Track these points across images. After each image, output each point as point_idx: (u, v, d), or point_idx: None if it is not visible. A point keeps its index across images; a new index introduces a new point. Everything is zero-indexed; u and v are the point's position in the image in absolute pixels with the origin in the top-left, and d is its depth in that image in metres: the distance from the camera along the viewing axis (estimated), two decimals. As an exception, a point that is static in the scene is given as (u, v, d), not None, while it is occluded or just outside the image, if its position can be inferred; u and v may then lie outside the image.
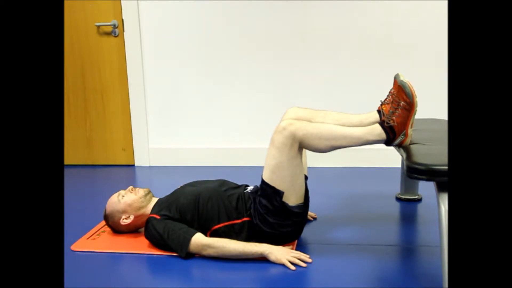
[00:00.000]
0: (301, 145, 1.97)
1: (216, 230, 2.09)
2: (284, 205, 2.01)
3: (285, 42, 3.34)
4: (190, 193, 2.16)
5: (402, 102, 1.90)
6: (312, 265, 1.97)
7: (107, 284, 1.88)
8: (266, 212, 2.03)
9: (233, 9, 3.35)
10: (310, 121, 2.10)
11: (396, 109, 1.92)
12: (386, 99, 2.11)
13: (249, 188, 2.20)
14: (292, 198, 2.02)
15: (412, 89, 1.89)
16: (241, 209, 2.10)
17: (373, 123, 2.09)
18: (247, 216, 2.08)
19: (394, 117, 1.92)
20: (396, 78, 2.07)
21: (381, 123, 1.94)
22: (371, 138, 1.94)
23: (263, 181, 2.03)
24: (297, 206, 2.04)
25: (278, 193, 2.00)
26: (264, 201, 2.03)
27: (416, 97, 1.90)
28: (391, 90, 2.12)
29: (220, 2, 3.35)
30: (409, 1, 3.20)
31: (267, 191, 2.01)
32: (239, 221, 2.09)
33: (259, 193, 2.07)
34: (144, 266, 2.04)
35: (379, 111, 2.09)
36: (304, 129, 1.95)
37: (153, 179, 3.37)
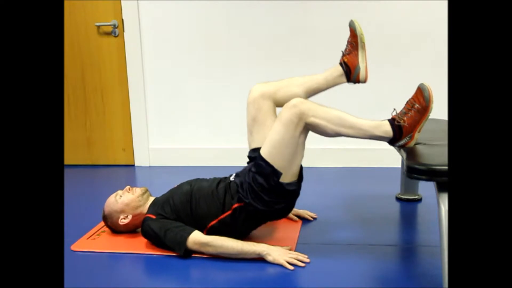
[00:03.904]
0: (308, 126, 1.97)
1: (211, 226, 2.09)
2: (281, 185, 2.00)
3: (285, 42, 3.34)
4: (184, 192, 2.17)
5: (417, 105, 1.90)
6: (312, 265, 1.97)
7: (107, 284, 1.88)
8: (261, 190, 2.01)
9: (233, 9, 3.35)
10: (276, 92, 2.15)
11: (409, 110, 1.92)
12: (346, 49, 2.18)
13: (232, 177, 2.18)
14: (288, 176, 2.02)
15: (431, 94, 1.88)
16: (229, 199, 2.08)
17: (338, 77, 2.18)
18: (236, 203, 2.07)
19: (405, 118, 1.91)
20: (351, 25, 2.15)
21: (391, 121, 1.94)
22: (378, 133, 1.94)
23: (261, 158, 2.01)
24: (292, 184, 2.03)
25: (276, 174, 1.98)
26: (260, 179, 2.01)
27: (433, 102, 1.89)
28: (348, 38, 2.19)
29: (220, 2, 3.35)
30: (409, 1, 3.20)
31: (265, 170, 1.99)
32: (229, 212, 2.07)
33: (253, 169, 2.04)
34: (144, 266, 2.04)
35: (341, 64, 2.17)
36: (314, 110, 1.94)
37: (153, 179, 3.37)
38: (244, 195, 2.05)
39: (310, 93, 2.23)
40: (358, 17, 3.23)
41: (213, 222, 2.09)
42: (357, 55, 2.17)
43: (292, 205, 2.12)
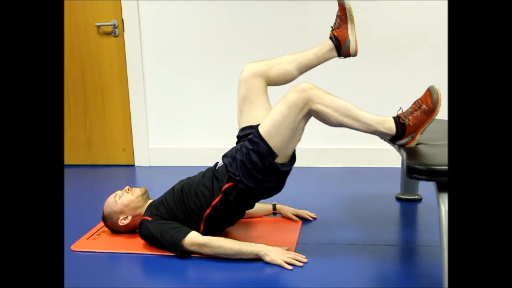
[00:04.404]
0: (312, 112, 1.96)
1: (207, 216, 2.09)
2: (275, 166, 2.00)
3: (285, 42, 3.34)
4: (176, 191, 2.17)
5: (424, 106, 1.90)
6: (311, 265, 1.97)
7: (107, 284, 1.88)
8: (253, 168, 2.00)
9: (233, 9, 3.35)
10: (267, 71, 2.16)
11: (416, 110, 1.92)
12: (335, 23, 2.19)
13: (220, 163, 2.17)
14: (282, 158, 2.02)
15: (440, 97, 1.88)
16: (217, 185, 2.08)
17: (328, 51, 2.19)
18: (225, 184, 2.06)
19: (411, 117, 1.91)
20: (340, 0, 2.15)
21: (396, 118, 1.93)
22: (381, 129, 1.93)
23: (259, 135, 1.99)
24: (285, 165, 2.03)
25: (272, 155, 1.97)
26: (254, 157, 1.99)
27: (440, 106, 1.89)
28: (337, 12, 2.19)
29: (220, 2, 3.35)
30: (409, 1, 3.20)
31: (261, 149, 1.98)
32: (220, 195, 2.06)
33: (248, 146, 2.02)
34: (143, 266, 2.04)
35: (331, 38, 2.19)
36: (322, 97, 1.94)
37: (153, 179, 3.37)
38: (235, 172, 2.03)
39: (301, 70, 2.25)
40: (358, 17, 3.24)
41: (208, 211, 2.08)
42: (346, 29, 2.18)
43: (282, 185, 2.12)
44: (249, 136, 2.06)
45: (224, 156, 2.15)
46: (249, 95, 2.17)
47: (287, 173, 2.07)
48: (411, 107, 1.95)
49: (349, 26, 2.18)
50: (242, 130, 2.19)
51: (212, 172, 2.14)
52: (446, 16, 3.14)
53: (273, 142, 1.97)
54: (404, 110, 1.96)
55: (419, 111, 1.91)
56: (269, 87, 2.24)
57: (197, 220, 2.10)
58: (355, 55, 2.20)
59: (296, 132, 1.98)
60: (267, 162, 1.98)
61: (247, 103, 2.17)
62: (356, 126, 1.95)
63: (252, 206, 2.20)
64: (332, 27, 2.23)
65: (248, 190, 2.04)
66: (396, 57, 3.28)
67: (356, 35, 2.19)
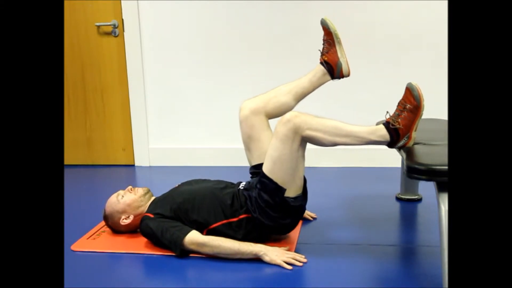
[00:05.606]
0: (304, 139, 1.96)
1: (213, 228, 2.08)
2: (286, 201, 2.00)
3: (285, 41, 3.34)
4: (186, 192, 2.16)
5: (408, 105, 1.90)
6: (311, 265, 1.97)
7: (107, 284, 1.88)
8: (266, 206, 2.02)
9: (233, 9, 3.35)
10: (265, 106, 2.16)
11: (402, 111, 1.92)
12: (323, 48, 2.22)
13: (242, 185, 2.19)
14: (292, 190, 2.02)
15: (420, 92, 1.89)
16: (236, 207, 2.09)
17: (322, 76, 2.21)
18: (243, 213, 2.07)
19: (399, 120, 1.91)
20: (323, 23, 2.19)
21: (386, 124, 1.94)
22: (375, 138, 1.94)
23: (264, 175, 2.02)
24: (297, 199, 2.03)
25: (281, 190, 1.99)
26: (265, 196, 2.01)
27: (423, 100, 1.89)
28: (323, 37, 2.22)
29: (220, 2, 3.35)
30: (409, 1, 3.20)
31: (269, 187, 2.00)
32: (235, 219, 2.08)
33: (258, 186, 2.05)
34: (143, 266, 2.04)
35: (322, 63, 2.20)
36: (309, 123, 1.94)
37: (153, 179, 3.37)
38: (253, 209, 2.05)
39: (298, 99, 2.26)
40: (358, 17, 3.25)
41: (215, 225, 2.08)
42: (335, 52, 2.20)
43: (298, 220, 2.13)
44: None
45: (245, 189, 2.15)
46: (253, 134, 2.18)
47: (299, 208, 2.07)
48: (396, 109, 1.95)
49: (337, 49, 2.20)
50: (255, 167, 2.20)
51: (235, 191, 2.13)
52: (446, 16, 3.14)
53: (278, 177, 1.98)
54: (391, 114, 1.97)
55: (405, 112, 1.91)
56: None
57: (200, 227, 2.09)
58: (348, 75, 2.23)
59: (297, 162, 1.99)
60: (278, 198, 2.00)
61: (253, 141, 2.19)
62: (349, 142, 1.96)
63: (263, 239, 2.13)
64: (321, 51, 2.24)
65: (264, 226, 2.05)
66: (396, 57, 3.28)
67: (346, 56, 2.22)
